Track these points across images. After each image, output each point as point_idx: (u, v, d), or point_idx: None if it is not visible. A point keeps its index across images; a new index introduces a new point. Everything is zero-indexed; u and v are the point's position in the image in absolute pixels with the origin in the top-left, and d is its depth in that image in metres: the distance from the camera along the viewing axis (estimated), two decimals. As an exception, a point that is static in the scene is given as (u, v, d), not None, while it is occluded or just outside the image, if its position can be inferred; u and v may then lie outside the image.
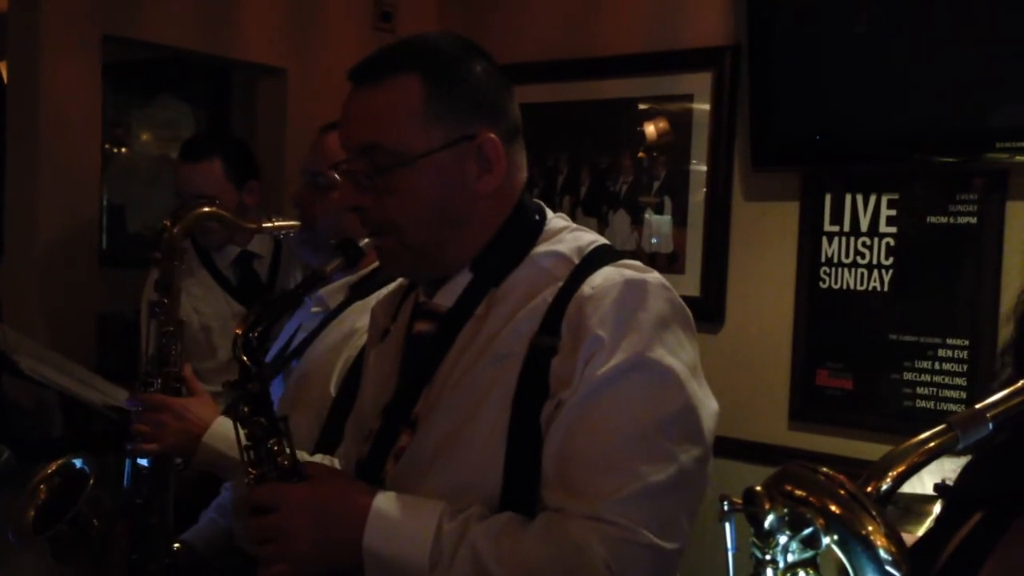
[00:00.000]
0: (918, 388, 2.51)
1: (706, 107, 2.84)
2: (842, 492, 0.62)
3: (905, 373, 2.53)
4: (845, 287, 2.62)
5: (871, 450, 2.48)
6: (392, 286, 1.63)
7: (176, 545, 1.86)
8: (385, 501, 1.15)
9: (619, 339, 1.12)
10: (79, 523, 1.79)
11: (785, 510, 0.64)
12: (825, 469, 0.65)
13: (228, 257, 2.63)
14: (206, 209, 1.97)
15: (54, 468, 1.87)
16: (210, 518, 1.94)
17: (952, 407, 2.49)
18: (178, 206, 3.26)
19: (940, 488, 1.45)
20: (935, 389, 2.49)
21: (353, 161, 1.23)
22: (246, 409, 1.27)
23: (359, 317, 1.80)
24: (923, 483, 1.58)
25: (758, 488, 0.65)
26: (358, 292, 1.85)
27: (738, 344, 2.78)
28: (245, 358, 1.26)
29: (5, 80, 3.82)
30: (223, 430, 1.75)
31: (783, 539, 0.64)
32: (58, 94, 2.72)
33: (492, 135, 1.22)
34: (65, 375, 2.38)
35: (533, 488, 1.15)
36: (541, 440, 1.14)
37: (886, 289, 2.57)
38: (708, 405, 1.18)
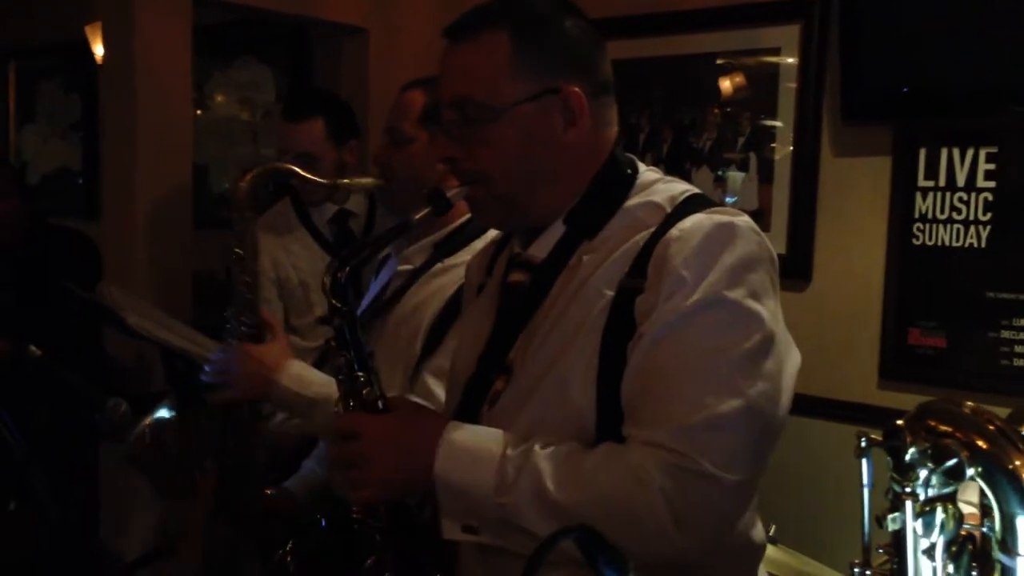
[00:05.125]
0: (1016, 347, 2.45)
1: (791, 60, 2.78)
2: (990, 427, 0.62)
3: (1002, 331, 2.46)
4: (940, 244, 2.55)
5: (964, 409, 2.43)
6: (481, 243, 1.65)
7: (269, 491, 1.92)
8: (455, 430, 1.21)
9: (700, 279, 1.14)
10: (157, 435, 1.86)
11: (927, 444, 0.64)
12: (971, 403, 0.64)
13: (325, 215, 2.67)
14: (277, 165, 2.00)
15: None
16: (309, 468, 2.01)
17: (1051, 366, 2.42)
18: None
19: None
20: (1033, 348, 2.43)
21: (447, 113, 1.27)
22: (335, 343, 1.32)
23: (444, 275, 1.83)
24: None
25: (900, 422, 0.65)
26: (442, 251, 1.88)
27: (826, 302, 2.74)
28: (333, 296, 1.29)
29: (92, 45, 3.92)
30: (296, 371, 1.79)
31: (924, 472, 0.64)
32: (152, 57, 2.78)
33: (576, 89, 1.25)
34: (167, 330, 2.46)
35: None
36: None
37: (983, 245, 2.49)
38: (789, 352, 1.19)
